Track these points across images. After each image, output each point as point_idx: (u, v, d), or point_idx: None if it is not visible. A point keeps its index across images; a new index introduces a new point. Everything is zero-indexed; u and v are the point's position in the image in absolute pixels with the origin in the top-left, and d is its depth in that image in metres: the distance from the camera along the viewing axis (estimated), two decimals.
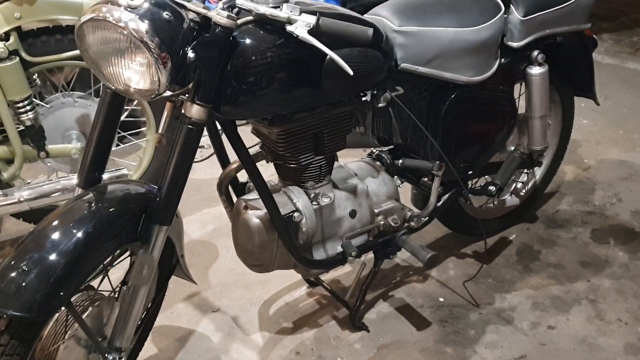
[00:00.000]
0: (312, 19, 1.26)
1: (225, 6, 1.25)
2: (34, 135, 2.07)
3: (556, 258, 2.19)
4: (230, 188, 1.71)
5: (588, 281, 2.08)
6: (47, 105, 2.16)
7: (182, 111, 1.30)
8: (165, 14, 1.19)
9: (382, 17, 1.64)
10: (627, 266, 2.14)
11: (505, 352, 1.82)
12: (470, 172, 1.94)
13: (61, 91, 2.20)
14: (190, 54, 1.23)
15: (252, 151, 1.58)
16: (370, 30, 1.31)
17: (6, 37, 1.96)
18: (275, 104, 1.42)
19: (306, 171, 1.63)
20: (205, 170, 2.72)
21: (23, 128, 2.06)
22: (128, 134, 2.44)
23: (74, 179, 2.07)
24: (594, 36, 2.15)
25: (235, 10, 1.29)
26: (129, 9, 1.16)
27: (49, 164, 2.25)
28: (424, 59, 1.64)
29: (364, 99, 1.68)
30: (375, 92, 1.66)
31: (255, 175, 1.52)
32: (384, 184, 1.82)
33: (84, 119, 2.20)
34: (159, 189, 1.33)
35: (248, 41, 1.32)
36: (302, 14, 1.27)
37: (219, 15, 1.23)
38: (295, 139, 1.55)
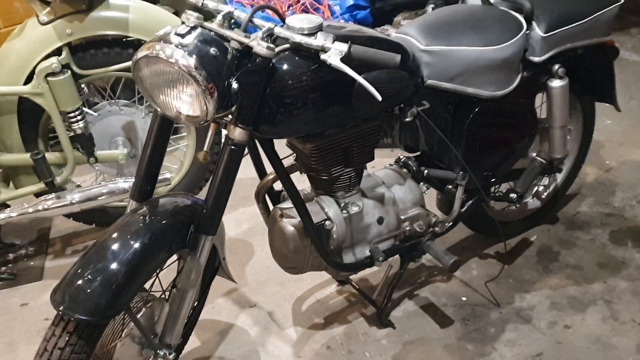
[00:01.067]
0: (344, 47, 1.35)
1: (264, 35, 1.37)
2: (84, 143, 2.23)
3: (575, 259, 2.29)
4: (267, 197, 1.85)
5: (604, 282, 2.18)
6: (95, 114, 2.31)
7: (226, 133, 1.44)
8: (212, 50, 1.32)
9: (410, 36, 1.74)
10: None
11: (523, 349, 1.93)
12: (493, 180, 2.04)
13: (107, 99, 2.35)
14: (234, 85, 1.35)
15: (286, 163, 1.70)
16: (398, 57, 1.41)
17: (58, 52, 2.11)
18: (310, 124, 1.54)
19: (337, 182, 1.74)
20: (240, 171, 2.83)
21: (74, 135, 2.22)
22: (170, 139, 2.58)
23: (120, 182, 2.23)
24: (616, 46, 2.21)
25: (273, 37, 1.41)
26: (179, 46, 1.29)
27: (96, 168, 2.42)
28: (448, 75, 1.74)
29: (392, 112, 1.79)
30: (402, 106, 1.76)
31: (289, 186, 1.65)
32: (410, 192, 1.93)
33: (129, 126, 2.35)
34: (206, 202, 1.47)
35: (285, 67, 1.44)
36: (335, 42, 1.37)
37: (259, 45, 1.34)
38: (327, 153, 1.67)
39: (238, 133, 1.41)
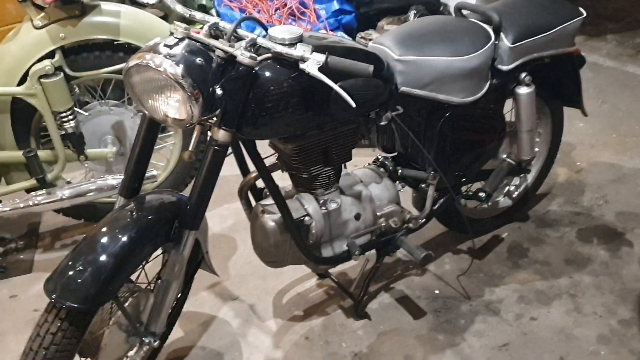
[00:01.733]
0: (321, 58, 1.45)
1: (247, 45, 1.47)
2: (75, 141, 2.31)
3: (543, 255, 2.41)
4: (249, 193, 1.95)
5: (570, 277, 2.30)
6: (86, 113, 2.40)
7: (210, 134, 1.54)
8: (198, 59, 1.42)
9: (385, 46, 1.85)
10: (607, 264, 2.35)
11: (491, 340, 2.05)
12: (464, 179, 2.16)
13: (98, 99, 2.44)
14: (219, 91, 1.46)
15: (268, 162, 1.81)
16: (371, 68, 1.51)
17: (52, 55, 2.20)
18: (290, 126, 1.64)
19: (316, 180, 1.84)
20: (225, 168, 2.86)
21: (65, 134, 2.30)
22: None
23: (108, 179, 2.32)
24: (582, 54, 2.32)
25: (256, 47, 1.52)
26: (168, 56, 1.39)
27: (86, 166, 2.51)
28: (421, 83, 1.85)
29: (368, 116, 1.89)
30: (378, 111, 1.87)
31: (270, 183, 1.75)
32: (386, 190, 2.04)
33: (118, 125, 2.44)
34: (190, 199, 1.58)
35: (267, 75, 1.54)
36: (314, 53, 1.47)
37: (242, 55, 1.44)
38: (307, 153, 1.76)
39: (221, 135, 1.51)
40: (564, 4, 2.18)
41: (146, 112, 1.52)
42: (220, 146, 1.53)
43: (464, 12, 2.09)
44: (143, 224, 1.51)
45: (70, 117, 2.26)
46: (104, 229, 1.49)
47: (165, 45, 1.41)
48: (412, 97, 1.87)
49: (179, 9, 1.63)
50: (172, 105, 1.45)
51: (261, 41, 1.50)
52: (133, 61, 1.42)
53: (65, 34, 2.19)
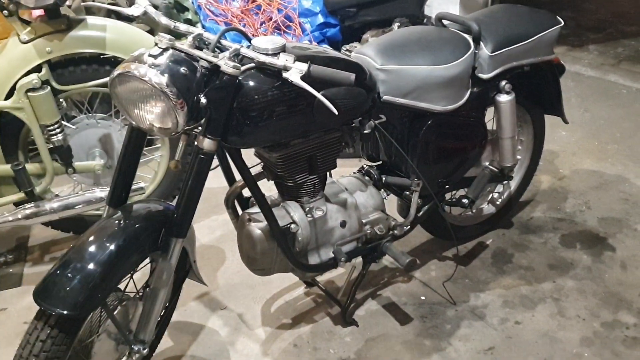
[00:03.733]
0: (304, 67, 1.49)
1: (231, 55, 1.51)
2: (63, 154, 2.32)
3: (527, 261, 2.45)
4: (236, 203, 1.97)
5: (554, 282, 2.34)
6: (73, 126, 2.41)
7: (196, 143, 1.57)
8: (182, 69, 1.45)
9: (367, 56, 1.89)
10: (589, 268, 2.39)
11: (476, 344, 2.08)
12: (447, 186, 2.20)
13: (85, 113, 2.47)
14: (203, 99, 1.49)
15: (254, 171, 1.83)
16: (353, 76, 1.54)
17: (39, 69, 2.22)
18: (274, 135, 1.67)
19: (302, 188, 1.87)
20: (213, 180, 2.88)
21: (53, 147, 2.32)
22: (145, 150, 2.69)
23: (97, 192, 2.33)
24: (562, 63, 2.38)
25: (240, 57, 1.55)
26: (152, 66, 1.42)
27: (74, 178, 2.52)
28: (402, 92, 1.89)
29: (352, 125, 1.93)
30: (361, 120, 1.91)
31: (256, 192, 1.76)
32: (371, 197, 2.07)
33: (105, 138, 2.46)
34: (177, 207, 1.60)
35: (251, 84, 1.57)
36: (296, 62, 1.51)
37: (226, 65, 1.48)
38: (292, 161, 1.79)
39: (207, 143, 1.54)
40: (542, 13, 2.24)
41: (132, 121, 1.54)
42: (206, 155, 1.55)
43: (445, 22, 2.14)
44: (130, 232, 1.53)
45: (58, 130, 2.28)
46: (91, 238, 1.51)
47: (150, 55, 1.44)
48: (395, 105, 1.91)
49: (164, 20, 1.66)
50: (157, 114, 1.48)
51: (245, 51, 1.53)
52: (118, 71, 1.45)
53: (52, 48, 2.21)
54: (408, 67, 1.87)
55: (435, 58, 1.91)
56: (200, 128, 1.56)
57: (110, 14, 2.92)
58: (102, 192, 2.32)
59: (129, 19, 2.51)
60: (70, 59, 2.30)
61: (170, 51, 1.47)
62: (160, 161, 2.59)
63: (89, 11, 2.87)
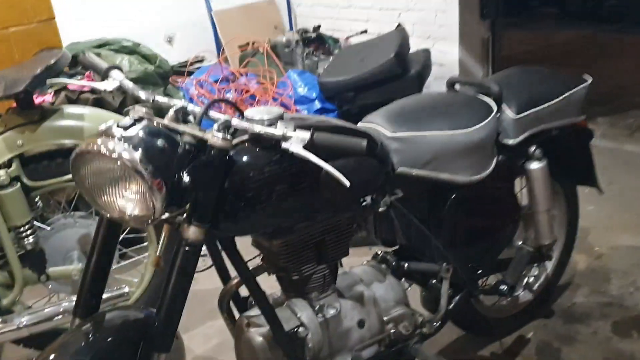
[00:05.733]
0: (306, 135, 1.26)
1: (220, 127, 1.27)
2: (35, 260, 2.07)
3: (578, 356, 2.10)
4: (232, 304, 1.67)
5: None
6: (48, 228, 2.17)
7: (180, 233, 1.30)
8: (159, 142, 1.22)
9: (376, 124, 1.67)
10: None
11: None
12: (480, 272, 1.90)
13: (62, 212, 2.22)
14: (186, 178, 1.24)
15: (252, 264, 1.58)
16: (364, 141, 1.32)
17: (8, 164, 2.00)
18: (275, 218, 1.42)
19: (309, 281, 1.60)
20: (208, 281, 2.64)
21: (23, 252, 2.05)
22: (130, 250, 2.43)
23: (74, 301, 2.04)
24: (589, 127, 2.16)
25: (231, 130, 1.31)
26: (122, 140, 1.18)
27: (49, 287, 2.23)
28: (420, 162, 1.66)
29: (364, 203, 1.67)
30: (374, 196, 1.65)
31: (256, 291, 1.50)
32: (391, 289, 1.77)
33: (85, 239, 2.20)
34: (157, 314, 1.30)
35: (245, 159, 1.34)
36: (297, 129, 1.28)
37: (214, 137, 1.24)
38: (297, 249, 1.54)
39: (192, 231, 1.28)
40: (564, 74, 2.05)
41: (100, 210, 1.28)
42: (192, 246, 1.29)
43: (457, 87, 1.94)
44: (100, 349, 1.26)
45: (29, 232, 2.03)
46: (51, 357, 1.21)
47: (120, 127, 1.20)
48: (412, 178, 1.66)
49: (142, 94, 1.45)
50: (130, 199, 1.23)
51: (236, 122, 1.31)
52: (80, 148, 1.20)
53: (24, 141, 2.01)
54: (424, 133, 1.64)
55: (454, 122, 1.69)
56: (184, 215, 1.29)
57: (99, 102, 2.74)
58: None
59: (107, 105, 2.33)
60: (44, 152, 2.09)
61: (144, 122, 1.23)
62: (147, 261, 2.31)
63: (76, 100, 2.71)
